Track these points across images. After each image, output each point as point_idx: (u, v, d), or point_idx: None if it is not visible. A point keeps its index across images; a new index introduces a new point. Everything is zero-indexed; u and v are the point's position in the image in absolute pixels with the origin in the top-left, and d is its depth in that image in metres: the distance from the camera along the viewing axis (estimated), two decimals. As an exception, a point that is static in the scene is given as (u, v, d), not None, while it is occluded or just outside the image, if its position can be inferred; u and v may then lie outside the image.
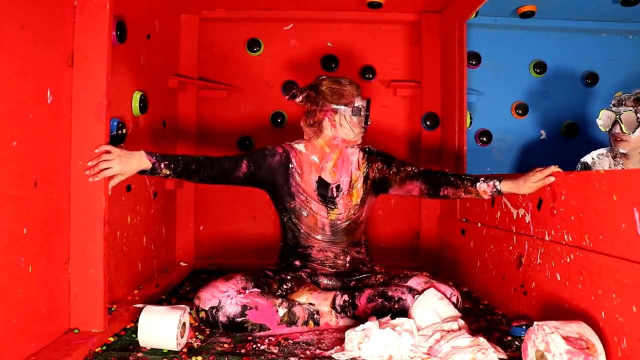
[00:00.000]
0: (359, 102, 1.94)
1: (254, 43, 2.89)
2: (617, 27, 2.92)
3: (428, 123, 2.81)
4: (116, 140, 1.78)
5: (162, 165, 1.75)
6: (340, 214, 1.98)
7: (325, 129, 1.94)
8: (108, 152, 1.56)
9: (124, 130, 1.83)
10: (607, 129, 2.13)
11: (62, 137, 1.47)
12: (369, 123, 1.98)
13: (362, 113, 1.94)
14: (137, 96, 2.05)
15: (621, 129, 2.06)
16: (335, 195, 1.98)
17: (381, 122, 2.85)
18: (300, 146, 2.02)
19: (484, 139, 2.95)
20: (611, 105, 2.13)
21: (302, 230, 1.98)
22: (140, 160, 1.69)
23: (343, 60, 2.90)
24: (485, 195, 1.80)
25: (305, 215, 1.97)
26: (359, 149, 2.06)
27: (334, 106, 1.92)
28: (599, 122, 2.15)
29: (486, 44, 2.94)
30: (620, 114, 2.06)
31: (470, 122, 2.84)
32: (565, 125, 2.96)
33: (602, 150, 2.25)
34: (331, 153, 2.00)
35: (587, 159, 2.27)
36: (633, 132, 2.04)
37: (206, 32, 2.87)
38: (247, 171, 1.93)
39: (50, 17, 1.40)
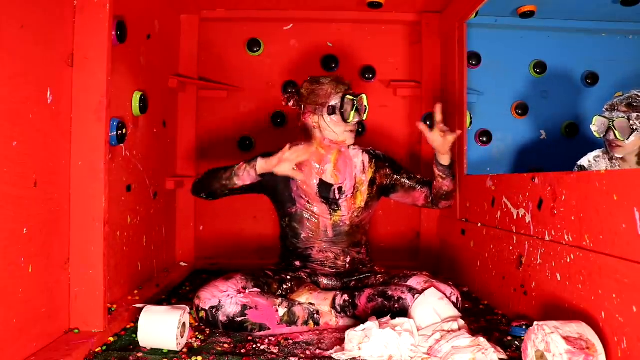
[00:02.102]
0: (334, 101, 1.91)
1: (254, 43, 2.89)
2: (617, 27, 2.92)
3: (428, 123, 2.80)
4: (116, 140, 1.78)
5: None
6: (343, 216, 1.98)
7: (311, 131, 1.96)
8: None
9: (124, 130, 1.83)
10: (602, 135, 2.13)
11: (62, 137, 1.47)
12: (350, 121, 1.92)
13: (336, 111, 1.91)
14: (137, 96, 2.05)
15: (615, 135, 2.06)
16: (338, 197, 1.98)
17: (381, 122, 2.85)
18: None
19: (484, 139, 2.95)
20: (604, 110, 2.12)
21: (303, 234, 1.98)
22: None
23: (343, 60, 2.90)
24: (437, 172, 1.98)
25: (308, 218, 1.97)
26: (362, 151, 2.06)
27: (311, 107, 1.92)
28: (593, 128, 2.14)
29: (486, 44, 2.94)
30: (613, 121, 2.06)
31: (470, 122, 2.84)
32: (565, 125, 2.96)
33: (598, 152, 2.25)
34: (327, 154, 1.99)
35: (584, 162, 2.26)
36: (627, 139, 2.04)
37: (206, 32, 2.87)
38: None
39: (50, 17, 1.40)
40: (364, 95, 1.97)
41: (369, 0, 2.60)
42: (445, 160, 1.97)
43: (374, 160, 2.05)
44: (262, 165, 1.84)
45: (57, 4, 1.43)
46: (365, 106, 1.96)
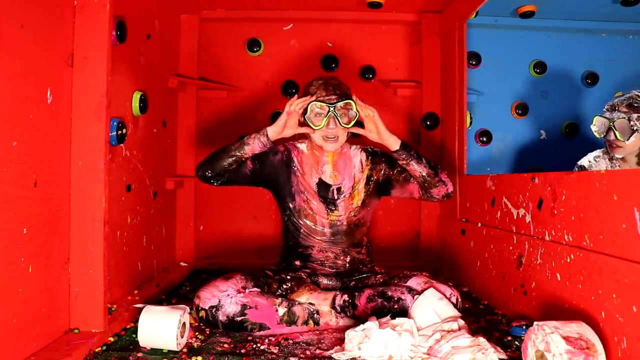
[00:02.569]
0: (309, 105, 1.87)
1: (254, 43, 2.89)
2: (617, 27, 2.92)
3: (428, 123, 2.81)
4: (116, 140, 1.78)
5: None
6: (340, 215, 1.98)
7: (307, 132, 1.94)
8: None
9: (124, 130, 1.83)
10: (602, 136, 2.13)
11: (62, 137, 1.47)
12: (315, 127, 1.86)
13: (304, 116, 1.87)
14: (137, 96, 2.05)
15: (615, 135, 2.05)
16: (336, 197, 1.98)
17: (381, 122, 2.84)
18: (302, 146, 2.02)
19: (484, 139, 2.95)
20: (604, 110, 2.12)
21: (302, 230, 1.98)
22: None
23: (343, 60, 2.90)
24: (400, 162, 1.91)
25: (305, 215, 1.97)
26: (360, 150, 2.06)
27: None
28: (593, 128, 2.14)
29: (486, 44, 2.94)
30: (613, 121, 2.05)
31: (470, 122, 2.84)
32: (565, 125, 2.96)
33: (598, 152, 2.25)
34: (322, 156, 1.99)
35: (584, 162, 2.26)
36: (628, 139, 2.03)
37: (206, 32, 2.87)
38: (252, 168, 1.93)
39: (50, 17, 1.40)
40: (351, 102, 1.85)
41: (369, 0, 2.61)
42: (392, 145, 1.87)
43: (370, 157, 2.04)
44: (273, 129, 1.85)
45: (57, 4, 1.43)
46: (356, 113, 1.85)
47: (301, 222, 1.98)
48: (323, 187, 1.98)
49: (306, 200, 1.97)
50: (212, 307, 1.64)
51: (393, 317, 1.56)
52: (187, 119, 2.81)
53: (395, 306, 1.67)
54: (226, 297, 1.65)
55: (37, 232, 1.34)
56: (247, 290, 1.71)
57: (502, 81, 2.95)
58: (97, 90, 1.51)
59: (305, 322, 1.70)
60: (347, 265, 1.99)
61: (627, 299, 1.20)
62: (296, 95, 1.85)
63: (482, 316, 1.90)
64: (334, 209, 1.98)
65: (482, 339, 1.40)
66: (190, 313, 1.66)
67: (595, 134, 2.15)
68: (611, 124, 2.06)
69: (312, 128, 1.88)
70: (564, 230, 1.51)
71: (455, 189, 2.43)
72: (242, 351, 1.50)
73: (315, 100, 1.86)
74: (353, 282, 1.94)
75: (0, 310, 1.19)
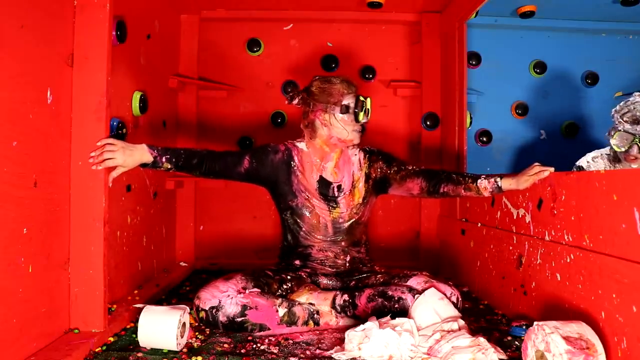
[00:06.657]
0: (347, 100, 1.92)
1: (254, 43, 2.89)
2: (617, 27, 2.92)
3: (428, 123, 2.81)
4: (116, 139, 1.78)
5: (164, 159, 1.77)
6: (342, 212, 1.98)
7: (318, 129, 1.95)
8: (111, 144, 1.57)
9: (124, 130, 1.84)
10: (623, 149, 2.00)
11: (62, 137, 1.47)
12: (361, 121, 1.94)
13: (350, 110, 1.92)
14: (137, 96, 2.05)
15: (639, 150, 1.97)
16: (336, 194, 1.98)
17: (381, 122, 2.85)
18: (302, 145, 2.02)
19: (484, 139, 2.95)
20: (621, 120, 1.99)
21: (303, 229, 1.98)
22: (142, 154, 1.71)
23: (343, 60, 2.90)
24: (485, 192, 1.83)
25: (308, 214, 1.97)
26: (359, 149, 2.06)
27: (323, 105, 1.92)
28: (613, 142, 1.99)
29: (486, 44, 2.94)
30: (639, 137, 1.96)
31: (470, 122, 2.84)
32: (565, 126, 2.96)
33: (596, 153, 2.23)
34: (331, 152, 2.00)
35: (582, 162, 2.25)
36: None
37: (206, 32, 2.87)
38: (248, 167, 1.93)
39: (50, 17, 1.40)
40: (369, 98, 1.98)
41: (369, 0, 2.61)
42: (507, 187, 1.82)
43: (367, 156, 2.05)
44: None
45: (57, 4, 1.43)
46: (368, 109, 1.97)
47: (303, 221, 1.98)
48: (324, 185, 1.98)
49: (307, 199, 1.97)
50: (212, 307, 1.64)
51: (393, 317, 1.56)
52: (187, 119, 2.81)
53: (396, 306, 1.67)
54: (226, 298, 1.65)
55: (37, 232, 1.34)
56: (247, 291, 1.71)
57: (502, 81, 2.95)
58: (97, 90, 1.52)
59: (306, 323, 1.70)
60: (347, 264, 1.99)
61: (627, 299, 1.20)
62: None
63: (482, 316, 1.90)
64: (335, 206, 1.98)
65: (482, 339, 1.40)
66: (190, 313, 1.66)
67: (615, 147, 2.03)
68: (636, 139, 1.98)
69: (355, 123, 1.93)
70: (564, 230, 1.51)
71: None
72: (242, 351, 1.50)
73: (360, 95, 1.93)
74: (353, 282, 1.94)
75: (0, 310, 1.19)
